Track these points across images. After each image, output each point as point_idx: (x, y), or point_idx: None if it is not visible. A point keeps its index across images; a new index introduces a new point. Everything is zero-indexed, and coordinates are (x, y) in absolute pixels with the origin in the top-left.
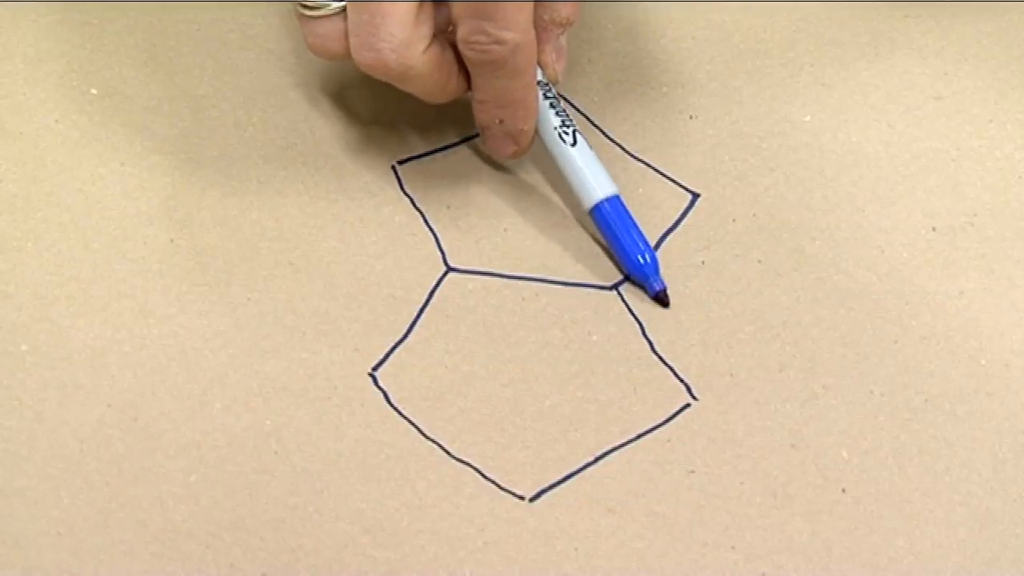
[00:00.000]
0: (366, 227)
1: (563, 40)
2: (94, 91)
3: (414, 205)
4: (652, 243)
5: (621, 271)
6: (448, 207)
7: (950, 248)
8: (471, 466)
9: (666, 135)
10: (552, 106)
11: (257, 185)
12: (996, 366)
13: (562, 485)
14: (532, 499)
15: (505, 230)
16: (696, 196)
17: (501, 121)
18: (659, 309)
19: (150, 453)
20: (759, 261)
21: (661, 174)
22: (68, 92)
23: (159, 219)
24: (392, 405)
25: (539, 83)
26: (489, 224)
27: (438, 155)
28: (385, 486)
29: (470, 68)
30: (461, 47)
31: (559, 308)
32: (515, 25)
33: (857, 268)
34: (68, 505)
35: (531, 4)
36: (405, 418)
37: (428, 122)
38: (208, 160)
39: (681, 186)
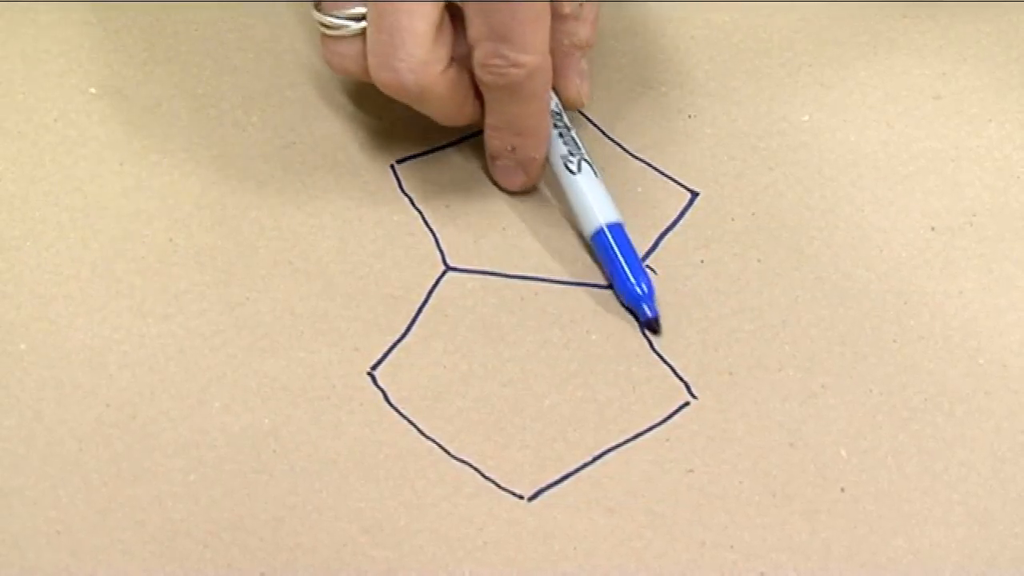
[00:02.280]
0: (365, 226)
1: (584, 63)
2: (93, 90)
3: (413, 205)
4: (651, 242)
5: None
6: (447, 206)
7: (949, 248)
8: (470, 465)
9: (665, 134)
10: (560, 135)
11: (256, 185)
12: (995, 366)
13: (561, 484)
14: (531, 498)
15: (504, 229)
16: (695, 195)
17: (513, 149)
18: (658, 306)
19: (149, 452)
20: (758, 260)
21: (660, 173)
22: (67, 91)
23: (158, 218)
24: (391, 404)
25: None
26: (488, 223)
27: (437, 154)
28: (384, 485)
29: (485, 92)
30: (477, 70)
31: (558, 307)
32: (532, 48)
33: (856, 268)
34: (67, 504)
35: (547, 28)
36: (404, 417)
37: (427, 121)
38: (207, 160)
39: (680, 185)
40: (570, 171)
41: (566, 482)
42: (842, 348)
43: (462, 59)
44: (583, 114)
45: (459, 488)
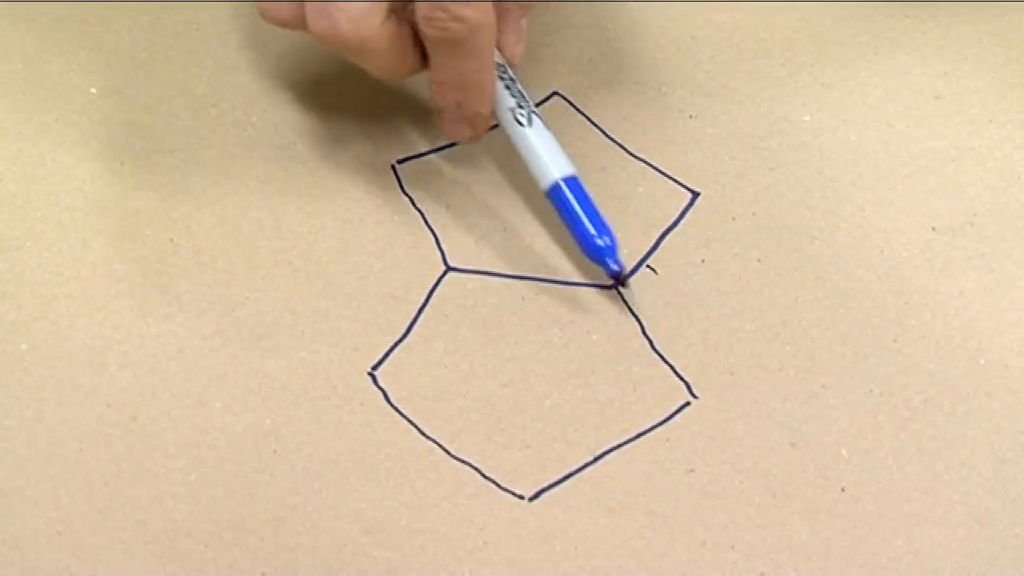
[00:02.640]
0: (365, 226)
1: (523, 23)
2: (93, 90)
3: (414, 205)
4: (652, 241)
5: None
6: (448, 207)
7: (950, 248)
8: (471, 465)
9: (666, 134)
10: (507, 87)
11: (256, 184)
12: (995, 366)
13: (562, 484)
14: (532, 498)
15: (505, 230)
16: (696, 195)
17: (458, 104)
18: (659, 307)
19: (149, 452)
20: (758, 260)
21: (661, 173)
22: (68, 91)
23: (158, 218)
24: (391, 404)
25: (496, 65)
26: (489, 224)
27: (438, 154)
28: (384, 486)
29: (428, 47)
30: (420, 24)
31: (559, 307)
32: (475, 3)
33: (857, 267)
34: (67, 504)
35: None
36: (404, 417)
37: (428, 121)
38: (207, 159)
39: (681, 185)
40: (519, 123)
41: (567, 482)
42: (843, 348)
43: (401, 10)
44: (583, 113)
45: (460, 488)
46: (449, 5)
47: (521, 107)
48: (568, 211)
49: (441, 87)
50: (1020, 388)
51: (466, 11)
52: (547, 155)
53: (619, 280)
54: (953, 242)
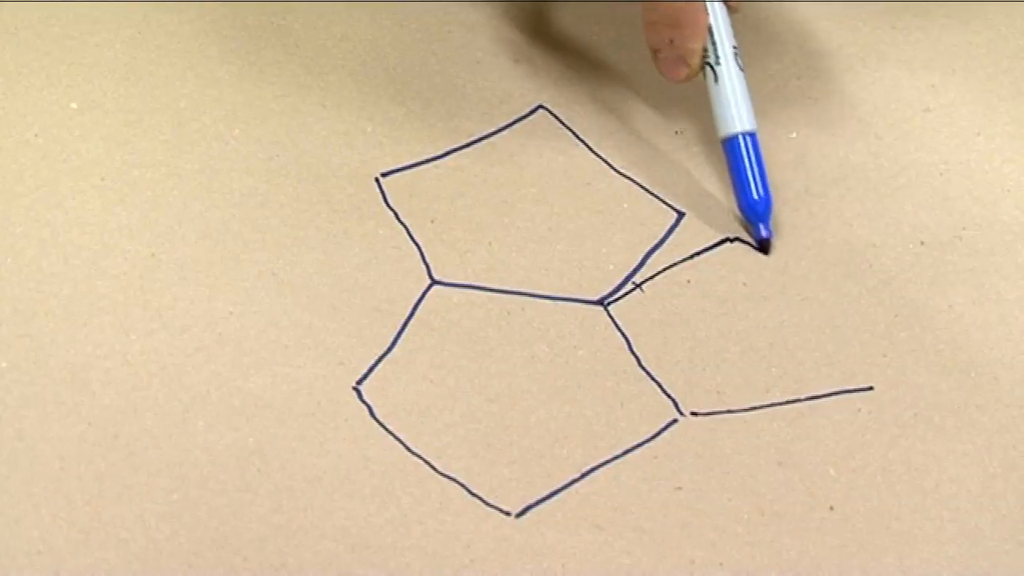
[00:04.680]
0: (350, 239)
1: None
2: (74, 105)
3: (398, 219)
4: (637, 260)
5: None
6: (432, 221)
7: (939, 262)
8: (457, 481)
9: (652, 150)
10: (716, 26)
11: (239, 198)
12: (986, 378)
13: (549, 501)
14: (518, 515)
15: (490, 244)
16: (681, 215)
17: (671, 41)
18: (645, 324)
19: (132, 471)
20: (744, 284)
21: (646, 191)
22: (47, 107)
23: (140, 233)
24: (376, 420)
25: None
26: (474, 238)
27: (422, 167)
28: (370, 502)
29: None
30: None
31: (545, 323)
32: None
33: (846, 282)
34: (49, 523)
35: None
36: (390, 433)
37: (412, 134)
38: (189, 173)
39: (667, 204)
40: (713, 65)
41: (554, 499)
42: (830, 365)
43: None
44: (569, 128)
45: (446, 504)
46: None
47: (718, 50)
48: (735, 164)
49: (655, 27)
50: (1011, 402)
51: None
52: (734, 104)
53: (763, 248)
54: (942, 256)
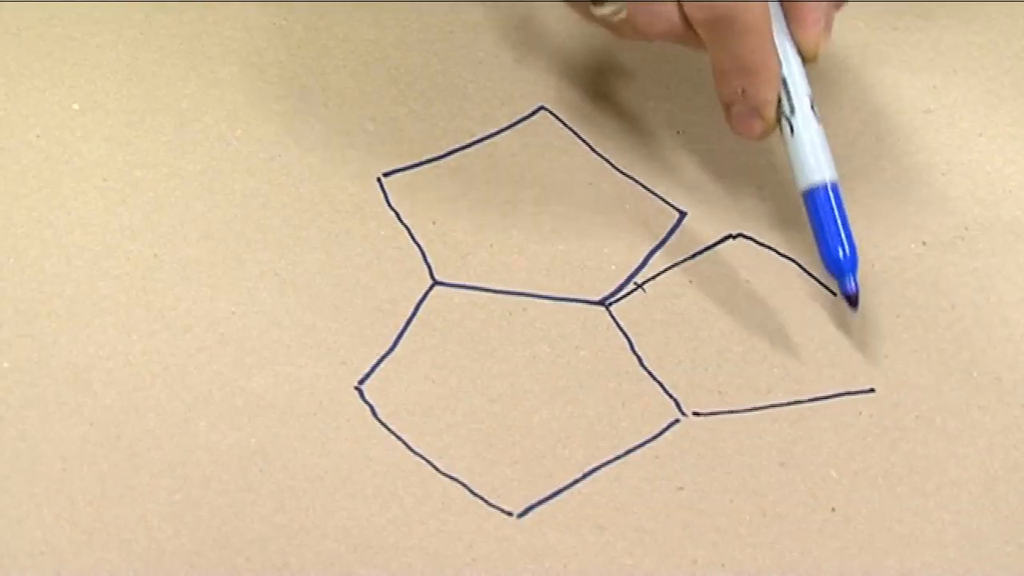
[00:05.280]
0: (352, 239)
1: (833, 13)
2: (76, 106)
3: (400, 219)
4: (639, 260)
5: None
6: (434, 221)
7: (941, 263)
8: (459, 482)
9: (654, 150)
10: (789, 76)
11: (241, 199)
12: (987, 379)
13: (551, 501)
14: (520, 515)
15: (492, 244)
16: (683, 215)
17: (743, 92)
18: (647, 324)
19: (134, 471)
20: (746, 284)
21: (648, 190)
22: (49, 107)
23: (142, 234)
24: (378, 420)
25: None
26: (475, 240)
27: (424, 167)
28: (372, 502)
29: (702, 33)
30: (688, 10)
31: (546, 323)
32: None
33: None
34: (51, 524)
35: None
36: (392, 433)
37: (414, 134)
38: (191, 174)
39: (668, 203)
40: (788, 116)
41: (556, 499)
42: (832, 366)
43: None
44: (570, 128)
45: (448, 504)
46: None
47: (793, 100)
48: (816, 217)
49: (724, 76)
50: (1013, 402)
51: None
52: (814, 155)
53: (851, 301)
54: (944, 257)
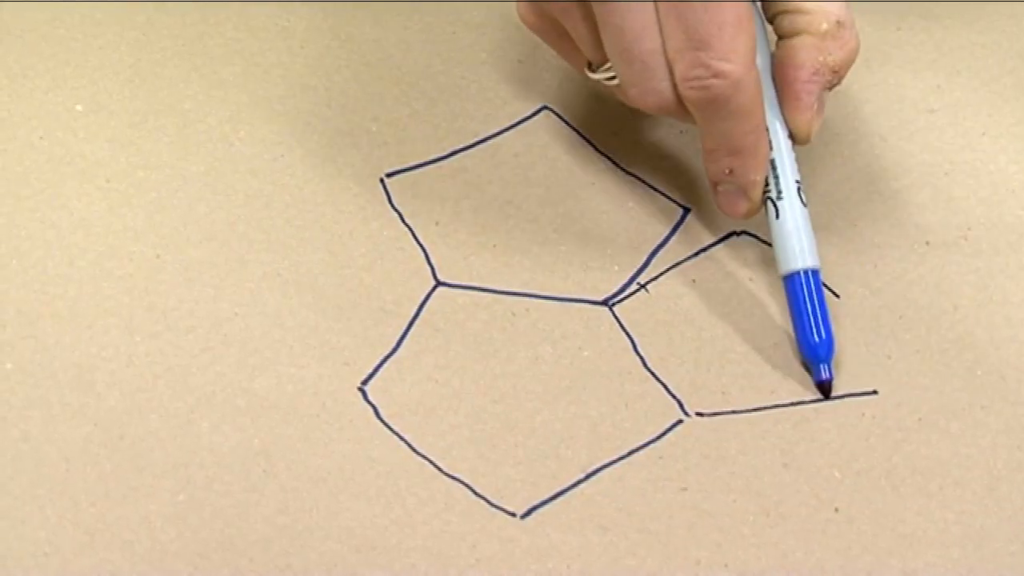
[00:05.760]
0: (355, 240)
1: (825, 96)
2: (79, 107)
3: (402, 220)
4: (642, 260)
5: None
6: (437, 222)
7: (944, 263)
8: (462, 482)
9: (656, 149)
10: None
11: (244, 199)
12: (991, 379)
13: (554, 502)
14: (524, 516)
15: (495, 245)
16: (687, 210)
17: (730, 172)
18: (650, 324)
19: (137, 472)
20: (749, 284)
21: (651, 187)
22: (52, 109)
23: (145, 235)
24: (382, 420)
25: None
26: (478, 240)
27: (427, 168)
28: (375, 503)
29: (694, 112)
30: (681, 88)
31: (550, 323)
32: (734, 56)
33: (850, 284)
34: (54, 525)
35: (752, 36)
36: (395, 433)
37: (417, 134)
38: (194, 175)
39: (672, 200)
40: (775, 200)
41: (559, 499)
42: (835, 366)
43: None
44: (573, 127)
45: (451, 505)
46: (707, 59)
47: (780, 184)
48: (795, 302)
49: (713, 155)
50: (1016, 402)
51: (725, 65)
52: (797, 241)
53: (824, 391)
54: (947, 257)
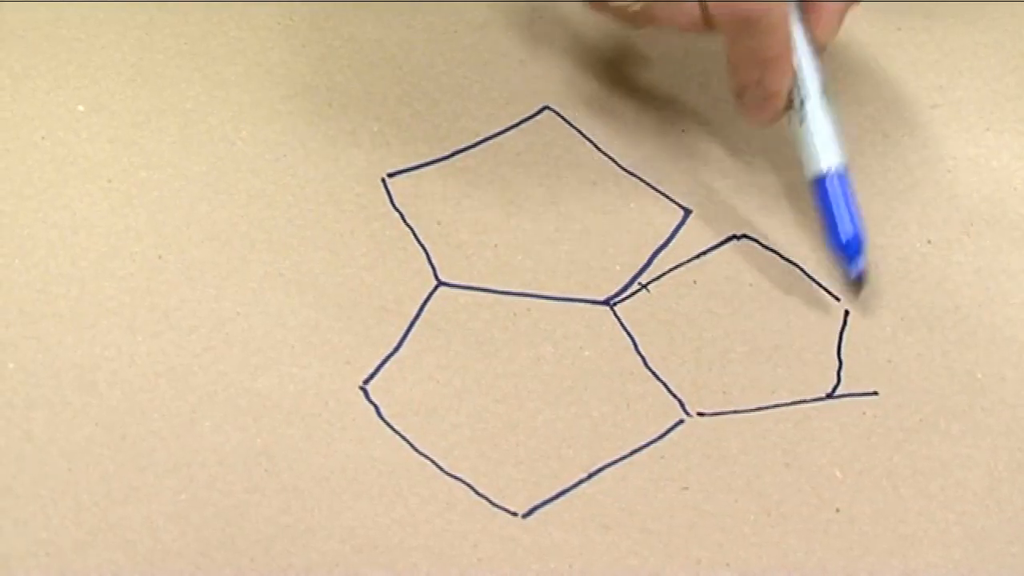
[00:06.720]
0: (356, 240)
1: (844, 15)
2: (81, 108)
3: (404, 220)
4: (644, 260)
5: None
6: (438, 222)
7: (946, 262)
8: (464, 482)
9: (658, 149)
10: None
11: (246, 199)
12: (992, 380)
13: (556, 501)
14: (525, 515)
15: (496, 245)
16: (688, 212)
17: (758, 82)
18: (651, 324)
19: (139, 472)
20: (750, 285)
21: (653, 188)
22: (55, 109)
23: (147, 235)
24: (383, 420)
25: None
26: (479, 240)
27: (429, 168)
28: (377, 502)
29: (722, 30)
30: (712, 7)
31: (551, 323)
32: None
33: (851, 283)
34: (56, 525)
35: None
36: (397, 433)
37: (419, 134)
38: (196, 175)
39: (673, 201)
40: (800, 105)
41: (561, 499)
42: (836, 367)
43: None
44: (575, 127)
45: (453, 505)
46: None
47: (803, 89)
48: (824, 203)
49: (740, 67)
50: (1017, 403)
51: None
52: (821, 141)
53: (856, 284)
54: (949, 256)
